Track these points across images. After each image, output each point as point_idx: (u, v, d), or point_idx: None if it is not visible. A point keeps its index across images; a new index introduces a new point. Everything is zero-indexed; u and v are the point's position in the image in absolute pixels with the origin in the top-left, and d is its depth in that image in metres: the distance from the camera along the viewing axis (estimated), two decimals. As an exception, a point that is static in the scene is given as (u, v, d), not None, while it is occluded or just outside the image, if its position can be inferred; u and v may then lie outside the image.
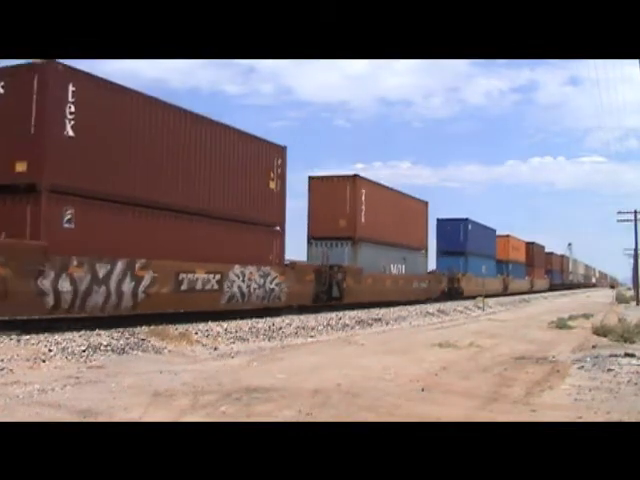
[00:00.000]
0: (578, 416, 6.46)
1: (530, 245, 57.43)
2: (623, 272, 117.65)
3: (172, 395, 7.14)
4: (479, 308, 30.72)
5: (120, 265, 13.28)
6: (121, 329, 12.42)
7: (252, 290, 17.75)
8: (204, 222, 15.99)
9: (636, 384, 8.54)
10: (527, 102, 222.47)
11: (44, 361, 9.16)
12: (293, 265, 20.10)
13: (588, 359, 10.94)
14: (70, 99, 12.38)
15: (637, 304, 39.13)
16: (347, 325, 18.24)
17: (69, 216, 12.35)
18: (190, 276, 15.31)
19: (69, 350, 9.96)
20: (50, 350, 9.79)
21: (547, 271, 66.63)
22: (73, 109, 12.43)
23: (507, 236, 48.64)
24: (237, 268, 17.13)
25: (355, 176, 24.04)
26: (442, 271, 33.80)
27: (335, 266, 22.24)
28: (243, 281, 17.39)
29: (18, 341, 10.32)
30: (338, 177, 23.89)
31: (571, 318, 21.93)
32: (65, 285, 12.08)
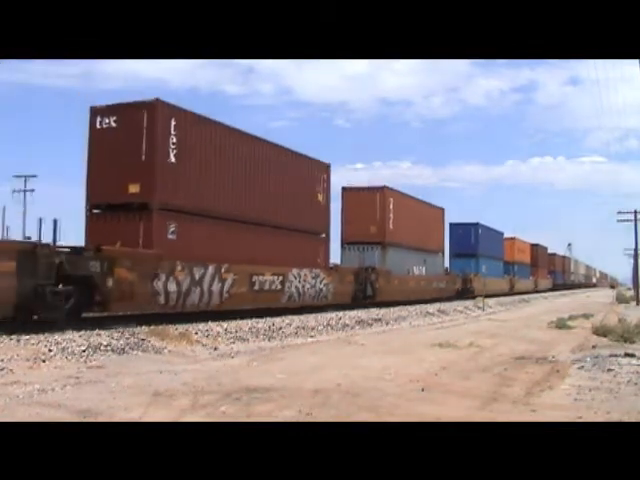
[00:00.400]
0: (578, 416, 6.46)
1: (534, 247, 59.87)
2: (623, 272, 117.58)
3: (172, 395, 7.14)
4: (479, 308, 30.73)
5: (210, 269, 16.00)
6: (121, 329, 12.42)
7: (306, 290, 20.59)
8: (269, 231, 18.65)
9: (636, 384, 8.54)
10: (527, 102, 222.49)
11: (44, 361, 9.16)
12: (337, 268, 23.14)
13: (588, 359, 10.94)
14: (172, 131, 15.05)
15: (637, 304, 39.13)
16: (347, 325, 18.24)
17: (172, 229, 15.10)
18: (260, 278, 18.14)
19: (69, 350, 9.96)
20: (50, 350, 9.79)
21: (550, 271, 68.92)
22: (175, 140, 15.07)
23: (513, 238, 50.97)
24: (294, 270, 19.89)
25: (384, 187, 26.93)
26: (456, 272, 36.28)
27: (369, 268, 24.86)
28: (299, 282, 20.19)
29: (18, 341, 10.32)
30: (369, 188, 26.78)
31: (571, 318, 21.93)
32: (172, 286, 14.73)
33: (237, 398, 7.04)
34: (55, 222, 12.75)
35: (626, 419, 6.32)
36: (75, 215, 15.49)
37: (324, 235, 22.34)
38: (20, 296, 11.49)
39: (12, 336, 10.59)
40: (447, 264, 36.59)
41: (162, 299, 14.50)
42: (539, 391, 8.07)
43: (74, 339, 10.86)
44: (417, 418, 6.22)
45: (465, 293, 35.64)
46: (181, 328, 13.36)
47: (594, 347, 12.98)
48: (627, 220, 41.79)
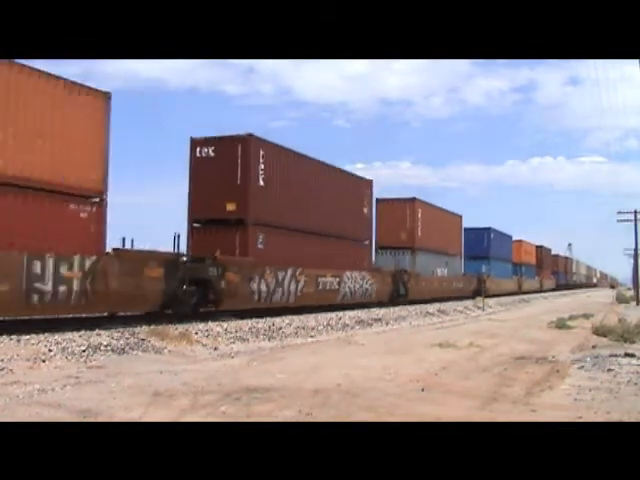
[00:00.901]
0: (578, 416, 6.46)
1: (539, 248, 63.01)
2: (623, 272, 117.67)
3: (172, 395, 7.14)
4: (479, 308, 30.74)
5: (289, 272, 19.53)
6: (121, 329, 12.43)
7: (356, 289, 24.15)
8: (328, 240, 22.07)
9: (636, 384, 8.54)
10: (527, 102, 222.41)
11: (44, 361, 9.16)
12: (379, 270, 26.51)
13: (588, 359, 10.94)
14: (261, 160, 18.38)
15: (637, 304, 39.13)
16: (347, 325, 18.25)
17: (261, 240, 18.43)
18: (323, 279, 21.57)
19: (69, 350, 9.96)
20: (50, 350, 9.80)
21: (553, 272, 71.83)
22: (262, 167, 18.45)
23: (520, 241, 54.06)
24: (348, 273, 23.38)
25: (414, 199, 30.62)
26: (471, 273, 39.48)
27: (402, 270, 28.44)
28: (351, 282, 23.67)
29: (18, 341, 10.32)
30: (400, 199, 30.55)
31: (571, 318, 21.93)
32: (263, 286, 18.32)
33: (237, 398, 7.04)
34: (177, 236, 15.90)
35: (626, 419, 6.32)
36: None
37: (367, 242, 25.98)
38: (165, 295, 14.92)
39: (12, 336, 10.59)
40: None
41: (256, 297, 18.08)
42: (539, 391, 8.07)
43: (74, 339, 10.86)
44: (417, 418, 6.22)
45: (479, 292, 37.43)
46: (181, 328, 13.36)
47: (594, 347, 12.98)
48: (627, 220, 41.80)
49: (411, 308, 26.03)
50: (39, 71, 12.33)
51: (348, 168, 24.93)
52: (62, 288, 12.26)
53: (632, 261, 55.78)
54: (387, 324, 19.98)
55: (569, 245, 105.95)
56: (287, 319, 17.47)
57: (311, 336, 15.28)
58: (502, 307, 33.59)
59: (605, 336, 15.16)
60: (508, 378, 9.09)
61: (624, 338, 14.27)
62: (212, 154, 18.02)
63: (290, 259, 19.62)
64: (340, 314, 20.33)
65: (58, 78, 12.83)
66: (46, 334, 11.12)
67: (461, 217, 38.33)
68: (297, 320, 17.53)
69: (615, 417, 6.43)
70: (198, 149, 18.14)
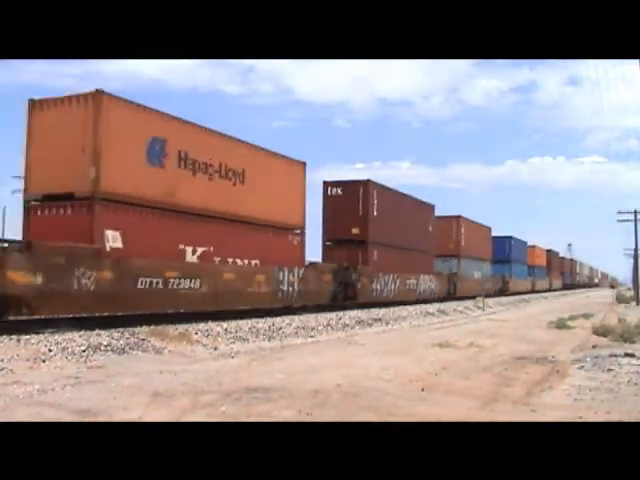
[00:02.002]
0: (578, 416, 6.46)
1: (549, 252, 71.10)
2: (623, 272, 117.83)
3: (172, 395, 7.14)
4: (479, 308, 30.75)
5: (391, 276, 27.44)
6: (121, 329, 12.43)
7: (426, 288, 32.11)
8: (410, 252, 29.86)
9: (636, 384, 8.54)
10: (527, 102, 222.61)
11: (44, 361, 9.16)
12: (439, 273, 34.33)
13: (588, 359, 10.94)
14: (374, 198, 25.71)
15: (637, 304, 39.13)
16: (347, 325, 18.24)
17: (375, 254, 25.88)
18: (408, 281, 29.81)
19: (69, 350, 9.96)
20: (50, 350, 9.79)
21: (560, 273, 79.62)
22: (376, 202, 25.77)
23: (534, 246, 62.27)
24: (421, 276, 31.53)
25: (459, 216, 38.47)
26: (497, 275, 46.79)
27: (453, 273, 36.83)
28: (423, 283, 31.73)
29: (18, 341, 10.32)
30: (448, 217, 37.27)
31: (571, 318, 21.92)
32: (378, 286, 26.28)
33: (237, 398, 7.04)
34: (323, 251, 24.45)
35: (626, 419, 6.31)
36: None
37: (431, 252, 33.53)
38: (332, 293, 22.82)
39: (12, 336, 10.60)
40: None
41: (374, 294, 25.90)
42: (539, 391, 8.07)
43: (74, 339, 10.86)
44: (417, 418, 6.21)
45: (503, 291, 46.57)
46: (181, 328, 13.36)
47: (594, 347, 12.98)
48: (627, 220, 41.86)
49: (411, 308, 26.14)
50: (274, 153, 19.95)
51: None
52: (290, 288, 20.00)
53: (632, 261, 55.99)
54: (387, 324, 19.98)
55: (569, 245, 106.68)
56: (287, 319, 17.47)
57: (311, 336, 15.27)
58: (502, 307, 33.60)
59: (605, 336, 15.16)
60: (508, 378, 9.09)
61: (624, 338, 14.27)
62: (340, 193, 25.43)
63: (391, 267, 27.31)
64: (340, 314, 20.33)
65: (282, 157, 20.51)
66: (46, 334, 11.12)
67: (490, 228, 46.14)
68: (297, 320, 17.53)
69: (615, 417, 6.42)
70: (329, 189, 25.52)
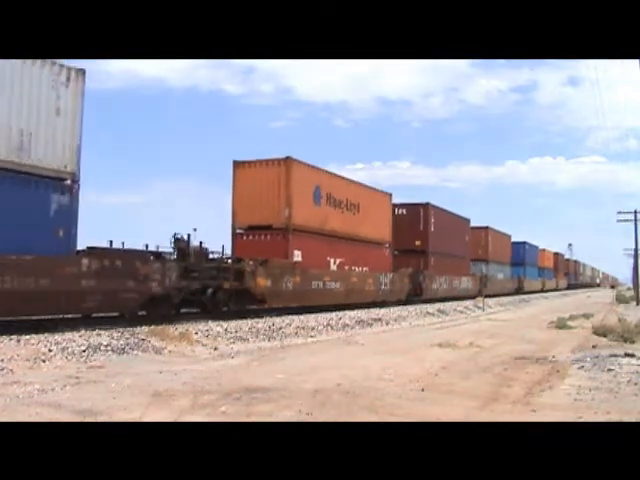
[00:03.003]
0: (578, 416, 6.46)
1: (556, 254, 78.28)
2: (623, 272, 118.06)
3: (172, 395, 7.14)
4: (479, 308, 30.76)
5: (443, 277, 33.85)
6: (121, 329, 12.43)
7: (465, 287, 38.90)
8: (455, 258, 36.68)
9: (636, 384, 8.54)
10: (527, 102, 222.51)
11: (44, 361, 9.16)
12: (474, 275, 41.15)
13: (588, 359, 10.94)
14: (432, 217, 32.11)
15: (637, 304, 39.14)
16: (347, 325, 18.24)
17: (433, 260, 32.18)
18: (454, 281, 36.34)
19: (69, 350, 9.96)
20: (50, 350, 9.79)
21: (565, 274, 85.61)
22: (433, 220, 32.14)
23: (543, 250, 68.60)
24: (462, 277, 38.54)
25: (487, 227, 45.32)
26: (514, 276, 52.87)
27: (484, 275, 42.89)
28: (463, 283, 38.62)
29: (18, 341, 10.32)
30: (478, 227, 43.48)
31: (571, 318, 21.92)
32: (436, 285, 32.68)
33: (237, 398, 7.04)
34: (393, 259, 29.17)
35: (626, 419, 6.32)
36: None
37: (467, 257, 40.33)
38: (408, 291, 29.37)
39: (12, 336, 10.60)
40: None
41: (434, 292, 32.54)
42: (539, 391, 8.07)
43: (74, 339, 10.86)
44: (417, 418, 6.22)
45: (520, 290, 52.31)
46: (181, 328, 13.36)
47: (594, 347, 12.98)
48: (627, 220, 41.83)
49: (411, 308, 26.11)
50: (373, 188, 27.36)
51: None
52: (385, 287, 26.92)
53: (632, 261, 56.08)
54: (387, 324, 19.98)
55: (569, 245, 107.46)
56: (287, 319, 17.47)
57: (311, 336, 15.27)
58: (502, 307, 33.62)
59: (605, 336, 15.16)
60: (508, 378, 9.09)
61: (624, 338, 14.27)
62: (405, 213, 31.34)
63: (443, 271, 33.78)
64: (340, 314, 20.33)
65: (378, 190, 27.87)
66: (46, 334, 11.12)
67: (510, 236, 52.86)
68: (297, 320, 17.53)
69: (615, 417, 6.43)
70: (396, 209, 30.40)
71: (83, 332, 11.65)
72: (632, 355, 11.25)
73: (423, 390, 7.90)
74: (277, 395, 7.28)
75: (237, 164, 20.69)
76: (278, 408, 6.59)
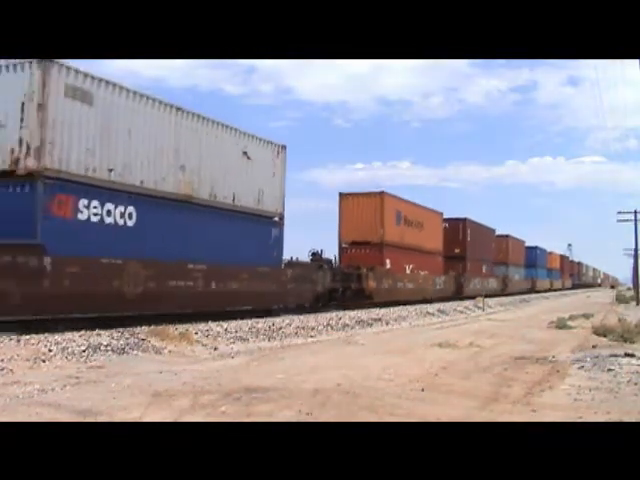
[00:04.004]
0: (578, 416, 6.46)
1: (562, 257, 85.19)
2: (623, 272, 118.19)
3: (172, 395, 7.14)
4: (479, 308, 30.76)
5: (478, 279, 41.88)
6: (121, 329, 12.42)
7: (492, 286, 44.31)
8: (486, 262, 43.99)
9: (636, 384, 8.54)
10: (526, 102, 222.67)
11: (44, 361, 9.16)
12: (497, 276, 46.91)
13: (588, 359, 10.93)
14: (468, 229, 39.38)
15: (637, 304, 39.13)
16: (347, 325, 18.24)
17: (469, 265, 39.41)
18: (484, 281, 43.12)
19: (69, 350, 9.95)
20: (50, 350, 9.79)
21: (570, 274, 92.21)
22: (469, 232, 39.50)
23: (551, 252, 74.89)
24: (489, 278, 44.78)
25: (507, 235, 51.72)
26: (527, 277, 59.92)
27: (505, 276, 49.77)
28: (490, 283, 44.44)
29: (18, 341, 10.32)
30: (501, 236, 49.54)
31: (571, 318, 21.92)
32: (472, 285, 40.22)
33: (237, 398, 7.04)
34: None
35: (626, 419, 6.31)
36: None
37: (493, 261, 46.53)
38: (453, 290, 36.76)
39: (12, 336, 10.59)
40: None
41: (470, 290, 38.24)
42: (539, 391, 8.07)
43: (74, 339, 10.86)
44: (417, 418, 6.22)
45: (532, 289, 59.23)
46: (181, 328, 13.35)
47: (594, 347, 12.98)
48: (627, 220, 41.89)
49: (411, 308, 26.14)
50: (431, 209, 34.58)
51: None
52: (439, 287, 34.03)
53: (632, 261, 56.17)
54: (387, 324, 19.98)
55: (569, 245, 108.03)
56: (287, 319, 17.46)
57: (311, 336, 15.27)
58: (502, 307, 33.62)
59: (605, 336, 15.16)
60: (508, 378, 9.08)
61: (624, 338, 14.27)
62: (448, 226, 36.87)
63: (476, 273, 41.17)
64: (340, 314, 20.32)
65: (433, 210, 34.56)
66: (46, 334, 11.11)
67: (524, 242, 59.60)
68: (297, 320, 17.52)
69: (615, 417, 6.42)
70: (444, 224, 36.38)
71: (83, 332, 11.65)
72: (632, 355, 11.25)
73: (423, 390, 7.90)
74: (277, 395, 7.28)
75: (342, 195, 27.86)
76: (278, 408, 6.58)
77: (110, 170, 13.59)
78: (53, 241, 12.15)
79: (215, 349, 11.96)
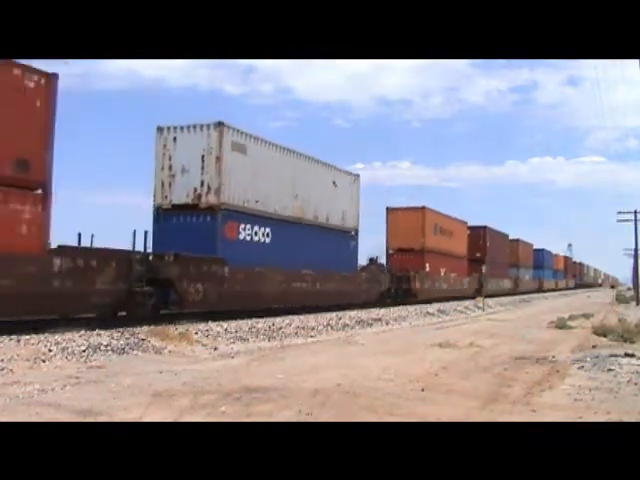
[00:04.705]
0: (578, 416, 6.46)
1: (566, 258, 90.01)
2: (623, 272, 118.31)
3: (172, 395, 7.14)
4: (479, 308, 30.76)
5: (495, 280, 45.51)
6: (121, 329, 12.42)
7: (506, 286, 48.43)
8: (500, 264, 47.43)
9: (636, 384, 8.54)
10: (527, 102, 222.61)
11: (44, 361, 9.16)
12: (510, 276, 51.10)
13: (588, 359, 10.93)
14: (487, 236, 44.25)
15: (637, 304, 39.13)
16: (347, 325, 18.24)
17: (485, 268, 41.68)
18: (500, 282, 47.29)
19: (69, 350, 9.95)
20: (50, 350, 9.79)
21: (573, 275, 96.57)
22: (488, 237, 45.22)
23: (556, 254, 79.44)
24: (504, 278, 48.74)
25: (518, 240, 55.60)
26: (536, 277, 63.89)
27: (517, 277, 53.51)
28: (505, 283, 48.80)
29: (18, 341, 10.32)
30: (513, 240, 53.52)
31: (571, 318, 21.92)
32: (490, 286, 41.88)
33: (237, 398, 7.04)
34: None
35: (626, 419, 6.31)
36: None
37: (506, 264, 50.50)
38: (474, 289, 39.18)
39: (12, 336, 10.59)
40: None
41: (489, 289, 40.54)
42: (539, 391, 8.07)
43: (74, 339, 10.86)
44: (417, 418, 6.22)
45: (540, 289, 62.94)
46: (181, 328, 13.35)
47: (594, 347, 12.98)
48: (627, 220, 41.88)
49: (411, 308, 26.14)
50: (460, 220, 39.49)
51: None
52: (464, 287, 38.70)
53: (632, 261, 56.20)
54: (387, 324, 19.98)
55: (569, 245, 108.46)
56: (287, 319, 17.47)
57: (311, 336, 15.27)
58: (502, 307, 33.63)
59: (605, 336, 15.15)
60: (508, 378, 9.08)
61: (624, 338, 14.27)
62: (470, 233, 40.81)
63: (494, 274, 44.41)
64: (340, 314, 20.32)
65: (460, 220, 39.34)
66: (46, 334, 11.11)
67: (532, 244, 63.52)
68: (297, 320, 17.52)
69: (615, 417, 6.43)
70: (468, 231, 40.63)
71: (83, 332, 11.65)
72: (632, 355, 11.25)
73: (423, 390, 7.90)
74: (277, 395, 7.28)
75: (389, 210, 32.55)
76: (278, 408, 6.59)
77: (256, 201, 18.39)
78: (227, 256, 16.80)
79: (215, 349, 11.96)
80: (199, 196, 16.82)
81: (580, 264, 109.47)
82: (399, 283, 28.94)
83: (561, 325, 19.34)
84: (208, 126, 16.97)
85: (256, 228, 18.39)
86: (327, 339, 14.90)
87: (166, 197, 17.19)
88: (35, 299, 11.64)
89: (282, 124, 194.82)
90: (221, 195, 16.77)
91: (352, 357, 11.20)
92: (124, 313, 14.26)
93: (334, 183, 23.25)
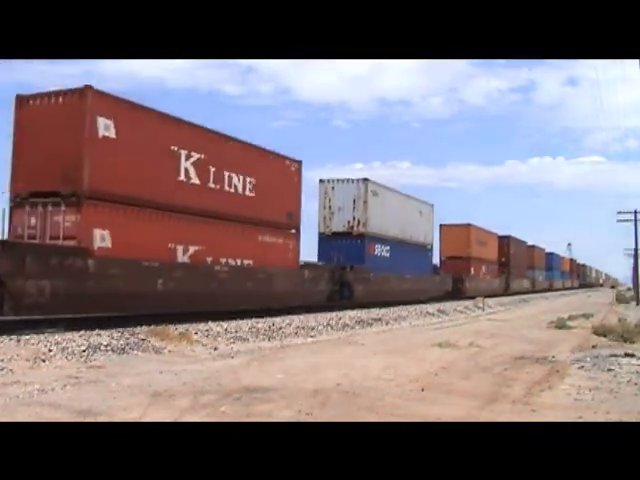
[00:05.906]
0: (578, 416, 6.46)
1: (572, 260, 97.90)
2: (623, 272, 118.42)
3: (172, 395, 7.14)
4: (479, 308, 30.76)
5: (518, 280, 54.70)
6: (121, 329, 12.42)
7: (524, 286, 56.62)
8: (519, 268, 54.99)
9: (636, 384, 8.55)
10: (526, 102, 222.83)
11: (44, 361, 9.16)
12: (527, 277, 57.33)
13: (588, 359, 10.94)
14: (511, 243, 52.81)
15: (637, 304, 39.13)
16: (347, 325, 18.24)
17: (513, 270, 52.38)
18: (519, 282, 55.30)
19: (69, 350, 9.96)
20: (50, 350, 9.79)
21: (577, 276, 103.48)
22: (512, 245, 53.22)
23: (563, 257, 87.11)
24: (523, 278, 57.03)
25: (534, 246, 62.30)
26: (547, 278, 70.22)
27: (534, 278, 60.42)
28: (524, 282, 57.42)
29: (18, 341, 10.32)
30: (529, 245, 60.44)
31: (571, 318, 21.92)
32: (514, 285, 52.71)
33: (237, 398, 7.04)
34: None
35: (626, 419, 6.32)
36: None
37: (524, 267, 56.86)
38: (503, 288, 49.28)
39: (12, 336, 10.60)
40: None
41: (515, 289, 52.15)
42: (539, 391, 8.07)
43: (74, 339, 10.86)
44: (417, 418, 6.22)
45: (550, 288, 69.54)
46: (181, 328, 13.35)
47: (594, 347, 12.98)
48: (627, 220, 41.92)
49: (411, 308, 26.17)
50: (490, 232, 47.40)
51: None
52: (496, 286, 47.18)
53: (632, 261, 56.29)
54: (387, 324, 19.98)
55: (568, 245, 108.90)
56: (287, 319, 17.46)
57: (311, 336, 15.26)
58: (502, 307, 33.61)
59: (605, 336, 15.16)
60: (508, 378, 9.09)
61: (624, 338, 14.27)
62: (498, 241, 49.09)
63: (517, 276, 51.85)
64: (340, 314, 20.32)
65: (491, 232, 47.59)
66: (46, 334, 11.11)
67: (544, 248, 69.71)
68: (297, 320, 17.52)
69: (615, 417, 6.43)
70: (497, 240, 49.05)
71: (83, 332, 11.65)
72: (632, 355, 11.25)
73: (423, 390, 7.90)
74: (277, 395, 7.28)
75: (442, 226, 39.91)
76: (278, 408, 6.59)
77: (384, 229, 27.47)
78: (370, 266, 25.90)
79: (215, 349, 11.96)
80: (352, 227, 25.94)
81: (583, 266, 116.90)
82: (455, 284, 38.06)
83: (561, 325, 19.35)
84: (358, 180, 26.29)
85: (383, 247, 27.75)
86: (327, 339, 14.90)
87: (327, 227, 26.14)
88: (293, 296, 20.62)
89: (282, 124, 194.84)
90: (366, 226, 25.93)
91: (352, 357, 11.20)
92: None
93: (420, 212, 32.62)
